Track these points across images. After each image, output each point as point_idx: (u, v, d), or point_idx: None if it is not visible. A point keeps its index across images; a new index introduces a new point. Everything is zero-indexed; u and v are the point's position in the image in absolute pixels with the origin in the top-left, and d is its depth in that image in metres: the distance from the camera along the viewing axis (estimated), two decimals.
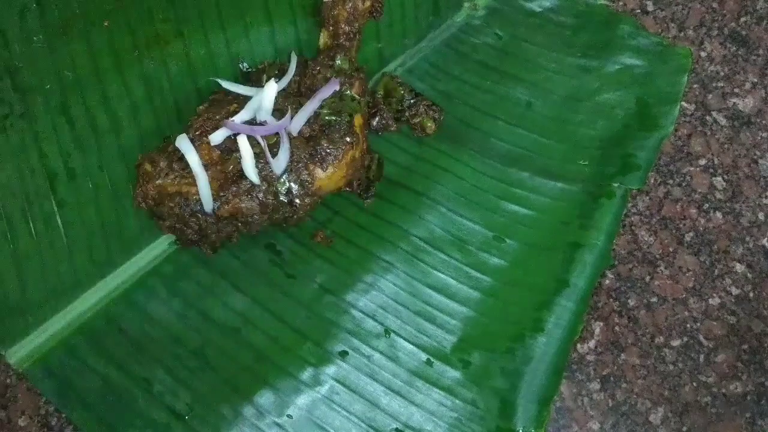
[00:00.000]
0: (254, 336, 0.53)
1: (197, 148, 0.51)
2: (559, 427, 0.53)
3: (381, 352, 0.52)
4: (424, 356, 0.52)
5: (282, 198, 0.51)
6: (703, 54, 0.64)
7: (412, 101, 0.60)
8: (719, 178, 0.60)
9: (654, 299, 0.57)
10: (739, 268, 0.58)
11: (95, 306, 0.54)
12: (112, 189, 0.54)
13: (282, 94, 0.53)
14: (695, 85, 0.63)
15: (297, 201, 0.52)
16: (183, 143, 0.51)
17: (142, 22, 0.53)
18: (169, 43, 0.55)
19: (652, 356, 0.55)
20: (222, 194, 0.50)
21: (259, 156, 0.51)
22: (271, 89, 0.52)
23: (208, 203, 0.50)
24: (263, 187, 0.51)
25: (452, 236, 0.56)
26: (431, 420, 0.50)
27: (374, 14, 0.58)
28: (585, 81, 0.61)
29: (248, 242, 0.56)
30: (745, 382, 0.55)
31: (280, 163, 0.51)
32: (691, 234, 0.59)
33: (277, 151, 0.51)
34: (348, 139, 0.52)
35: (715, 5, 0.65)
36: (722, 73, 0.63)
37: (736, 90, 0.63)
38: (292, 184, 0.51)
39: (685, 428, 0.54)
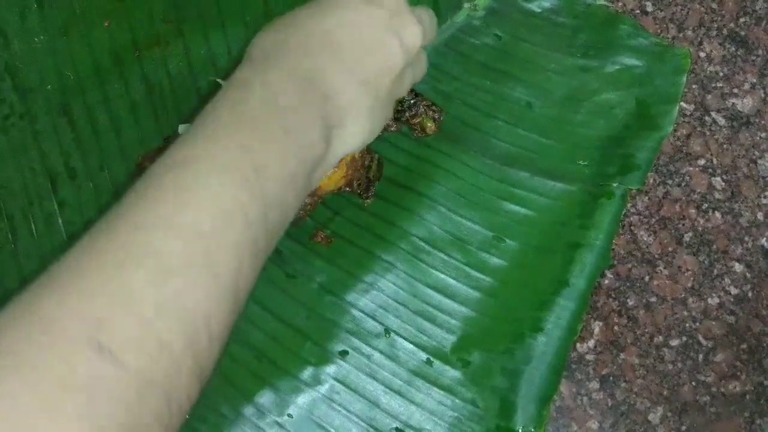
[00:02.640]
0: (254, 336, 0.53)
1: None
2: (558, 427, 0.53)
3: (381, 352, 0.52)
4: (424, 356, 0.52)
5: None
6: (702, 54, 0.64)
7: (412, 101, 0.60)
8: (718, 178, 0.60)
9: (653, 299, 0.57)
10: (738, 267, 0.58)
11: None
12: (113, 189, 0.54)
13: None
14: (694, 86, 0.63)
15: None
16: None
17: (143, 23, 0.53)
18: (170, 43, 0.55)
19: (651, 356, 0.56)
20: None
21: None
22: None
23: None
24: None
25: (452, 236, 0.56)
26: (431, 419, 0.51)
27: None
28: (585, 81, 0.61)
29: None
30: (744, 382, 0.55)
31: None
32: (690, 234, 0.59)
33: None
34: None
35: (714, 6, 0.66)
36: (721, 74, 0.63)
37: (735, 90, 0.63)
38: None
39: (684, 427, 0.54)
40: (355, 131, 0.41)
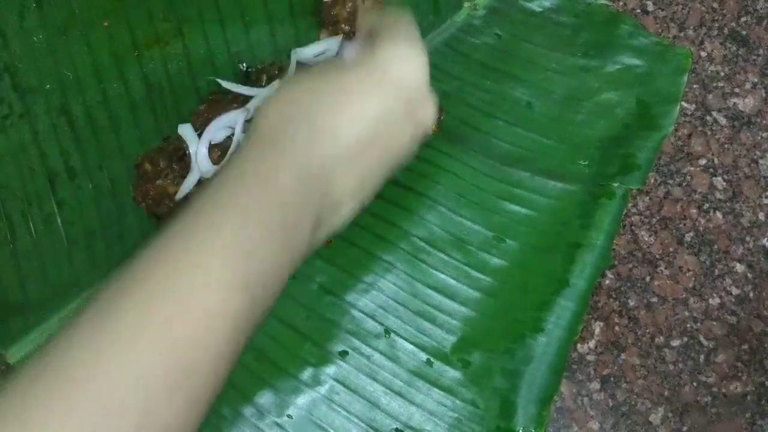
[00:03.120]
0: (254, 336, 0.53)
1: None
2: (559, 427, 0.53)
3: (381, 352, 0.52)
4: (424, 356, 0.52)
5: None
6: (703, 54, 0.64)
7: None
8: (719, 178, 0.60)
9: (654, 299, 0.57)
10: (739, 268, 0.58)
11: None
12: (112, 189, 0.54)
13: None
14: (695, 85, 0.63)
15: None
16: (186, 131, 0.51)
17: (142, 22, 0.53)
18: (169, 43, 0.54)
19: (652, 356, 0.55)
20: None
21: None
22: (274, 90, 0.52)
23: None
24: None
25: (452, 236, 0.56)
26: (431, 420, 0.50)
27: None
28: (585, 81, 0.61)
29: None
30: (745, 382, 0.55)
31: None
32: (691, 234, 0.59)
33: None
34: None
35: (715, 5, 0.65)
36: (722, 73, 0.63)
37: (737, 90, 0.63)
38: None
39: (685, 428, 0.54)
40: (344, 215, 0.40)
